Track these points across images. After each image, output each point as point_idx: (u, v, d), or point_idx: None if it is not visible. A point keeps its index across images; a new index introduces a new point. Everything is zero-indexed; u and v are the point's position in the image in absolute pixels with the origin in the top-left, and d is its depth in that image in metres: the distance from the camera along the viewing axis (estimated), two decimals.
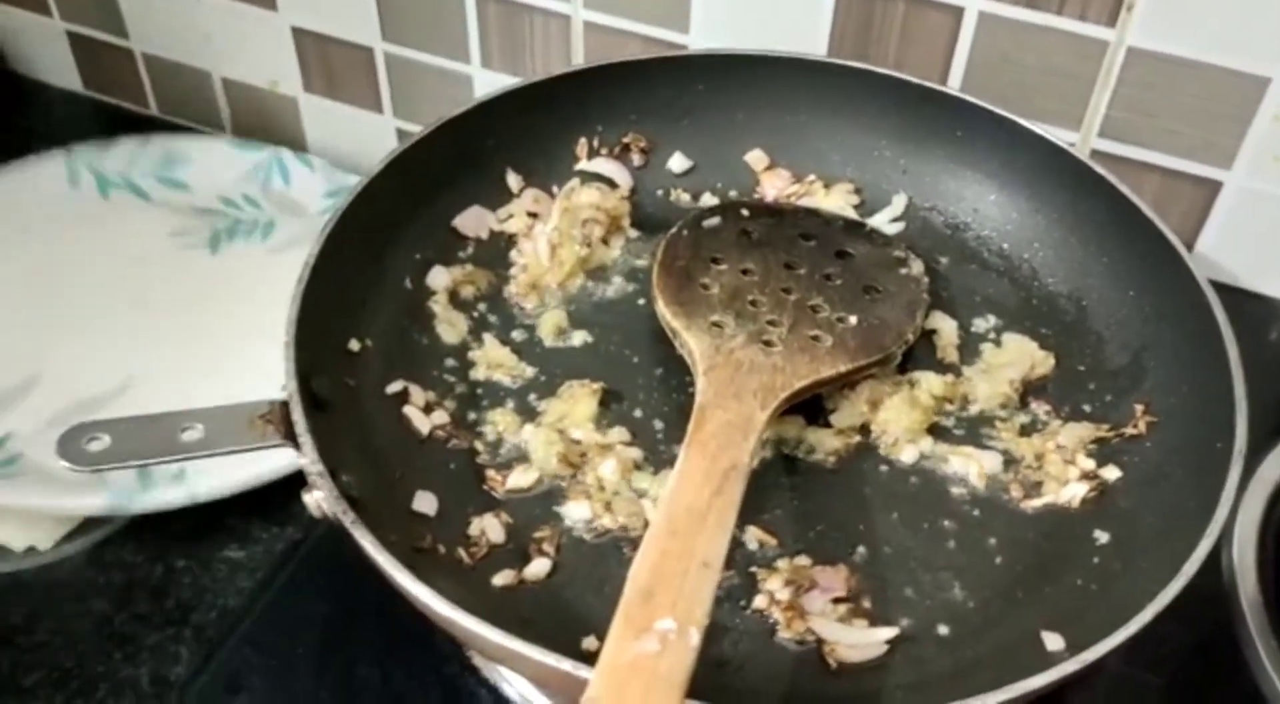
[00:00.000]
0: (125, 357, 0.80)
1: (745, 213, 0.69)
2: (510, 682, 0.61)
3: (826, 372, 0.60)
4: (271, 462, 0.68)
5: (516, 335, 0.67)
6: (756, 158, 0.74)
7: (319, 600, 0.65)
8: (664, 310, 0.63)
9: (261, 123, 0.99)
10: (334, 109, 0.95)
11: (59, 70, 1.03)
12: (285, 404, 0.53)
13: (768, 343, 0.61)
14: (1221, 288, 0.79)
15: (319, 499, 0.51)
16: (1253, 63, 0.70)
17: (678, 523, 0.50)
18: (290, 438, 0.52)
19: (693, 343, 0.61)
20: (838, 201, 0.72)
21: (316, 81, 0.94)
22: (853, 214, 0.72)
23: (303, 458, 0.52)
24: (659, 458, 0.60)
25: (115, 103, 1.04)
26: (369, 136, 0.95)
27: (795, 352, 0.60)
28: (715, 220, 0.69)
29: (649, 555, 0.48)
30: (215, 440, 0.52)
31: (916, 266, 0.67)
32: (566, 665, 0.45)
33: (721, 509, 0.51)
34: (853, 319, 0.63)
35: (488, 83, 0.88)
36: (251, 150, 0.93)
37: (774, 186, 0.73)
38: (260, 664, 0.62)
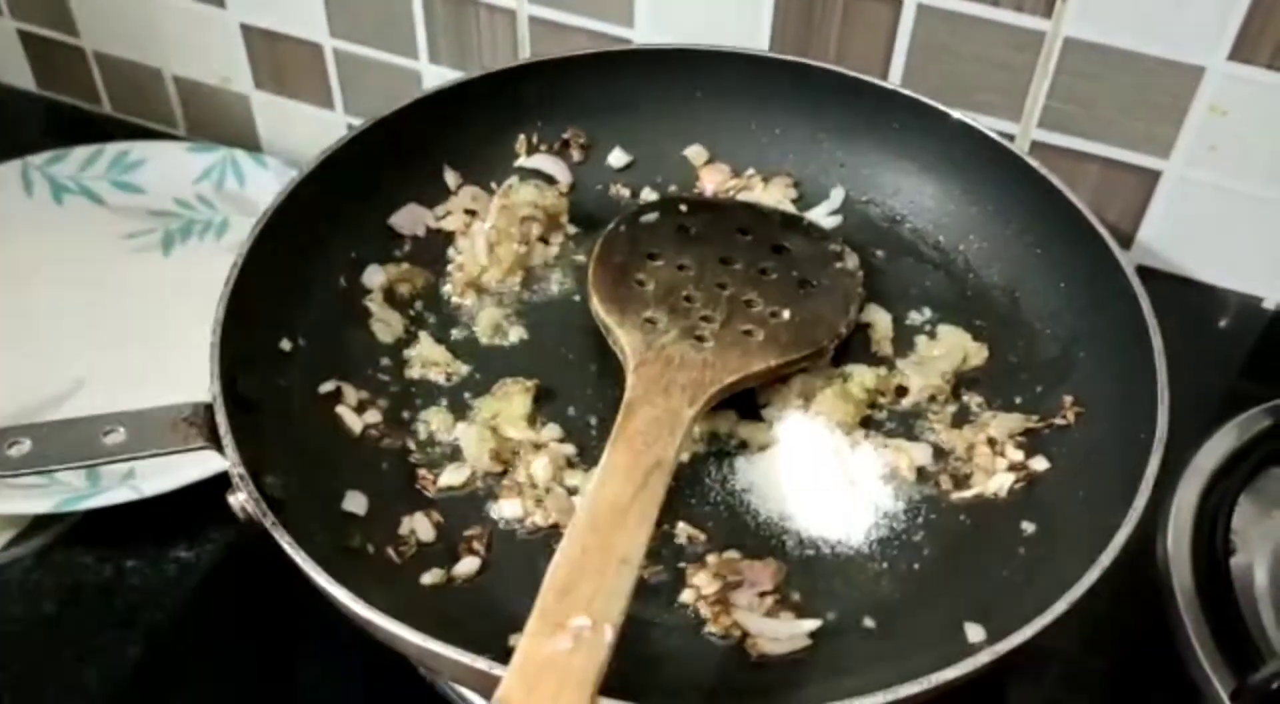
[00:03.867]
0: (77, 359, 0.80)
1: (684, 208, 0.69)
2: (451, 683, 0.61)
3: (756, 366, 0.60)
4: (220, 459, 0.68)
5: (453, 333, 0.66)
6: (696, 152, 0.74)
7: (262, 600, 0.65)
8: (598, 307, 0.63)
9: (215, 120, 0.98)
10: (286, 106, 0.95)
11: (11, 70, 1.03)
12: (210, 406, 0.53)
13: (699, 338, 0.61)
14: (1163, 277, 0.80)
15: (242, 501, 0.51)
16: (1187, 52, 0.70)
17: (599, 519, 0.50)
18: (214, 440, 0.52)
19: (624, 339, 0.61)
20: (776, 195, 0.72)
21: (266, 78, 0.94)
22: (791, 208, 0.72)
23: (225, 460, 0.52)
24: (592, 455, 0.60)
25: (69, 101, 1.03)
26: (322, 133, 0.95)
27: (726, 347, 0.60)
28: (653, 216, 0.69)
29: (569, 552, 0.49)
30: (138, 444, 0.52)
31: (852, 260, 0.68)
32: (481, 664, 0.46)
33: (644, 506, 0.51)
34: (786, 313, 0.63)
35: (437, 78, 0.88)
36: (206, 151, 0.93)
37: (713, 181, 0.73)
38: (200, 664, 0.62)
